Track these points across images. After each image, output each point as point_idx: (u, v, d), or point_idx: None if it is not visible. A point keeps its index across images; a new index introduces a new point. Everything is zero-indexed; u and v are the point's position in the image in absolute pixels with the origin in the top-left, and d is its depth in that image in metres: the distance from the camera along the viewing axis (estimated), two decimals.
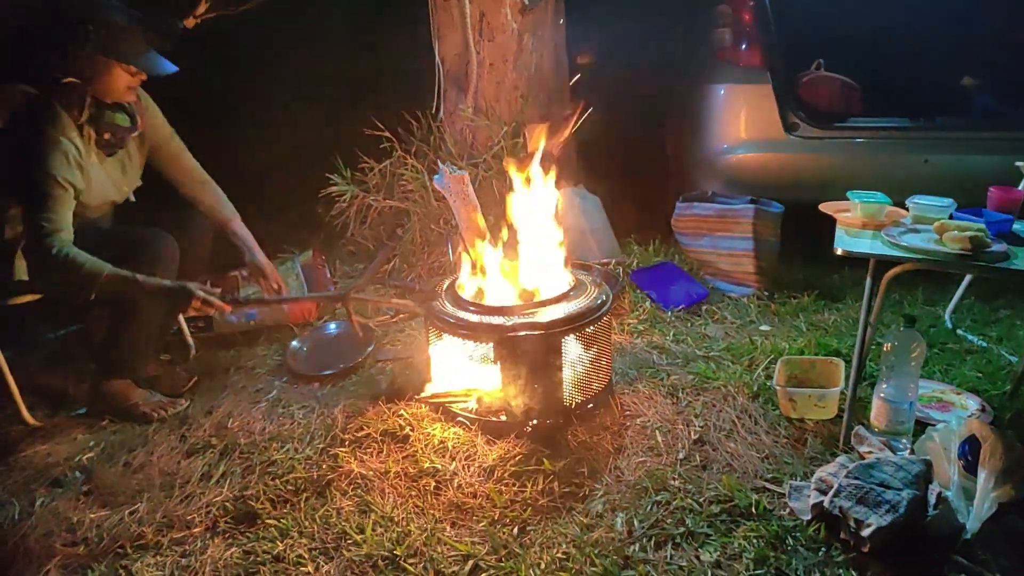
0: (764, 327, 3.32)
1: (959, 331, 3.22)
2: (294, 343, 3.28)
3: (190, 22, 3.73)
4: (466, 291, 2.73)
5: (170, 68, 2.58)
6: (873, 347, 2.74)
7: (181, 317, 3.23)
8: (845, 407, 2.43)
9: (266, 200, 4.47)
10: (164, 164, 2.93)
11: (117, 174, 2.77)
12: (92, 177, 2.63)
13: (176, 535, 2.18)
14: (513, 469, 2.35)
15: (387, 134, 4.01)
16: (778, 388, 2.60)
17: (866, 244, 2.32)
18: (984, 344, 3.10)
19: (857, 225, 2.47)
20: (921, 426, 2.38)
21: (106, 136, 2.64)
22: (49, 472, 2.49)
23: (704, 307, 3.53)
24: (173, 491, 2.37)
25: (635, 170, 4.83)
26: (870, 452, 2.26)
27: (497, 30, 4.00)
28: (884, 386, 2.33)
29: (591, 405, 2.63)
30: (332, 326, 3.44)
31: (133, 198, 2.95)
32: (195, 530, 2.20)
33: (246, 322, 3.39)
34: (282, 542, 2.11)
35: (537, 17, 4.09)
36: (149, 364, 2.95)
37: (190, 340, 3.28)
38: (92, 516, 2.27)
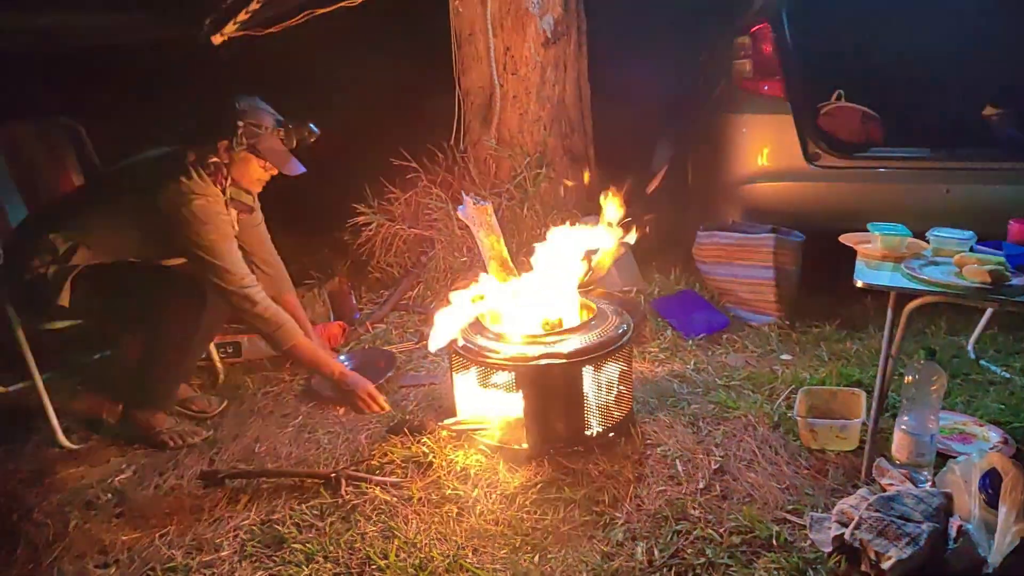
0: (785, 356, 3.33)
1: (982, 362, 3.22)
2: None
3: (217, 39, 3.86)
4: (488, 320, 2.78)
5: (300, 169, 2.82)
6: (895, 378, 2.75)
7: (211, 343, 3.30)
8: (867, 438, 2.44)
9: (294, 227, 4.56)
10: (250, 238, 3.10)
11: None
12: None
13: (205, 558, 2.22)
14: (534, 496, 2.38)
15: (413, 164, 4.09)
16: (799, 419, 2.61)
17: (886, 276, 2.33)
18: (1007, 375, 3.09)
19: (877, 257, 2.49)
20: (943, 458, 2.38)
21: (230, 213, 2.86)
22: (83, 494, 2.55)
23: (725, 336, 3.54)
24: (202, 514, 2.42)
25: (656, 199, 4.86)
26: (891, 484, 2.27)
27: (521, 63, 4.08)
28: (905, 418, 2.34)
29: (612, 434, 2.66)
30: (343, 358, 3.45)
31: None
32: (223, 553, 2.24)
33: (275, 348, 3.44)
34: (308, 566, 2.15)
35: (560, 50, 4.17)
36: (177, 395, 3.01)
37: (219, 365, 3.34)
38: (124, 538, 2.32)
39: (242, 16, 3.83)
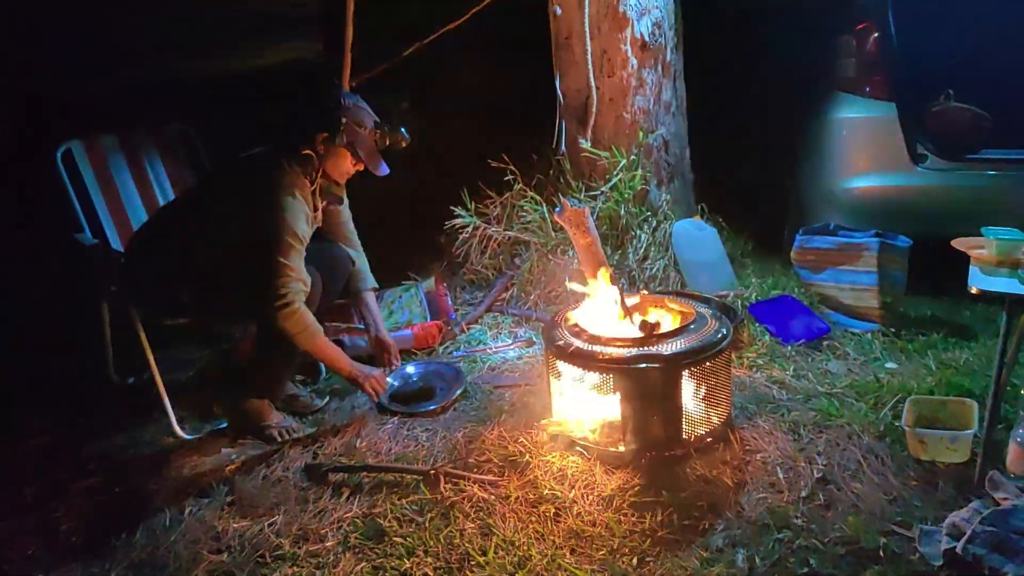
0: (890, 365, 3.23)
1: None
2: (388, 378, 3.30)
3: (347, 84, 4.00)
4: (586, 322, 2.79)
5: (386, 171, 2.92)
6: (1009, 388, 2.63)
7: None
8: (979, 450, 2.35)
9: (393, 229, 4.69)
10: (333, 224, 3.18)
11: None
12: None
13: (311, 548, 2.31)
14: (632, 500, 2.38)
15: (509, 167, 4.14)
16: (907, 429, 2.53)
17: (1002, 283, 2.25)
18: None
19: (992, 263, 2.39)
20: None
21: (323, 204, 2.96)
22: (197, 482, 2.69)
23: (826, 342, 3.46)
24: (307, 505, 2.51)
25: (754, 201, 4.78)
26: (1006, 498, 2.18)
27: (617, 66, 4.08)
28: (1021, 430, 2.25)
29: (710, 439, 2.63)
30: (411, 368, 3.45)
31: None
32: (328, 544, 2.32)
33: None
34: (409, 560, 2.21)
35: (656, 52, 4.14)
36: (286, 389, 3.13)
37: (321, 363, 3.44)
38: (235, 526, 2.43)
39: (348, 57, 3.95)
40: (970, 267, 2.41)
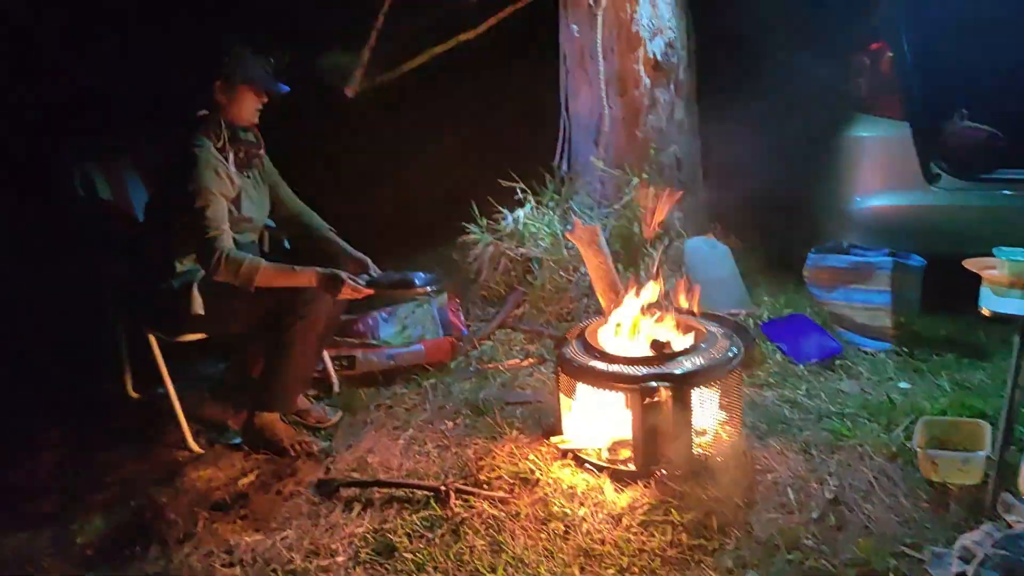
0: (903, 385, 3.22)
1: None
2: None
3: (352, 90, 4.04)
4: (598, 339, 2.80)
5: (285, 89, 2.94)
6: (1022, 410, 2.62)
7: (326, 355, 3.44)
8: (991, 472, 2.34)
9: (405, 245, 4.72)
10: (277, 196, 3.20)
11: (256, 194, 3.06)
12: (243, 192, 2.95)
13: (322, 563, 2.32)
14: (641, 518, 2.38)
15: (521, 184, 4.16)
16: (919, 450, 2.52)
17: (1014, 304, 2.25)
18: None
19: (1004, 283, 2.38)
20: None
21: (240, 154, 2.97)
22: (211, 495, 2.71)
23: (838, 362, 3.44)
24: (319, 520, 2.53)
25: (765, 219, 4.78)
26: (1019, 522, 2.17)
27: (630, 85, 4.11)
28: None
29: (721, 458, 2.63)
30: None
31: (273, 223, 3.24)
32: (339, 559, 2.34)
33: (386, 362, 3.56)
34: None
35: (669, 71, 4.17)
36: (298, 401, 3.15)
37: (334, 378, 3.47)
38: (247, 540, 2.45)
39: (366, 55, 3.99)
40: (982, 288, 2.41)
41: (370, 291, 2.90)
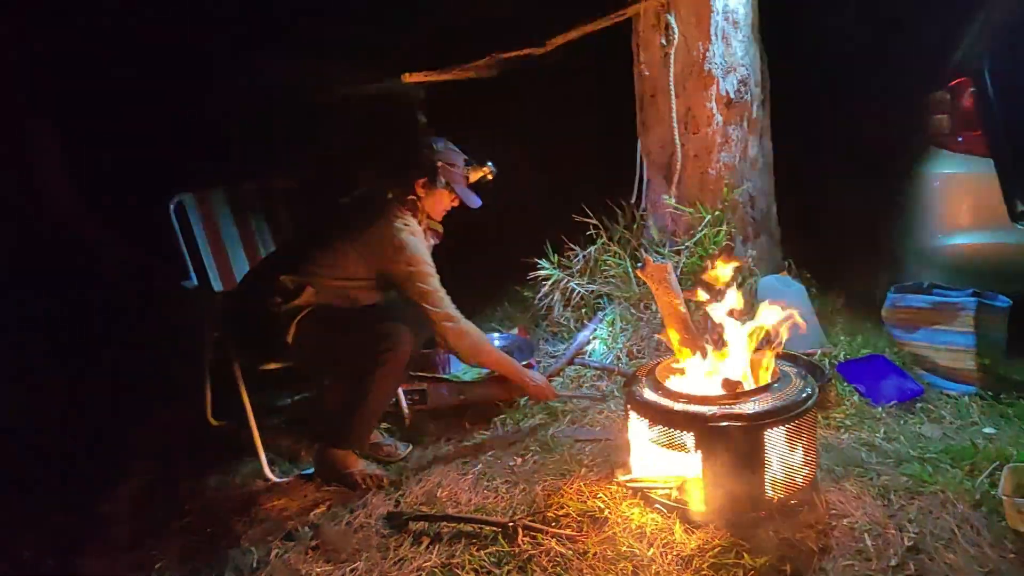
0: (988, 430, 3.09)
1: None
2: None
3: (407, 77, 4.19)
4: (669, 378, 2.79)
5: (478, 203, 3.18)
6: None
7: (400, 390, 3.50)
8: None
9: (477, 279, 4.78)
10: None
11: None
12: None
13: None
14: (712, 560, 2.34)
15: (593, 221, 4.19)
16: (1004, 498, 2.42)
17: None
18: None
19: None
20: None
21: (431, 241, 3.22)
22: (284, 525, 2.77)
23: (919, 405, 3.34)
24: (388, 552, 2.56)
25: (843, 258, 4.69)
26: None
27: (702, 123, 4.11)
28: None
29: (794, 501, 2.57)
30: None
31: None
32: None
33: (457, 397, 3.60)
34: None
35: (742, 109, 4.16)
36: (371, 435, 3.21)
37: (406, 411, 3.53)
38: (318, 570, 2.50)
39: (435, 77, 4.12)
40: None
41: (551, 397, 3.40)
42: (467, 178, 3.18)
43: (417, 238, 3.05)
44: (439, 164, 3.09)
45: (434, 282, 3.01)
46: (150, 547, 2.75)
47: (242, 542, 2.71)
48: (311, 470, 3.15)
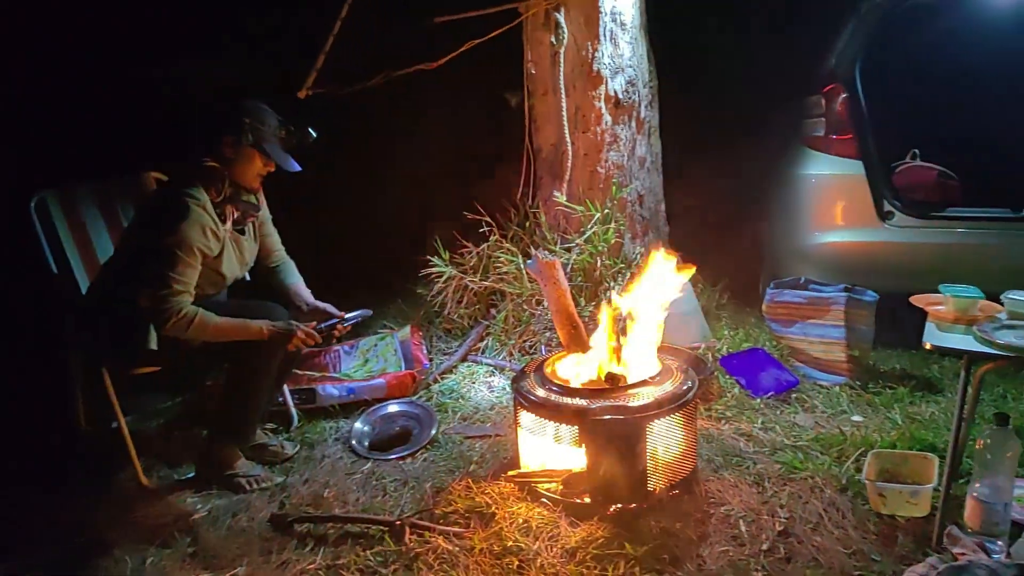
0: (856, 418, 3.27)
1: None
2: (357, 424, 3.37)
3: (302, 94, 4.07)
4: (555, 372, 2.82)
5: (296, 167, 2.93)
6: (970, 443, 2.67)
7: (286, 388, 3.42)
8: (938, 505, 2.37)
9: (368, 278, 4.73)
10: (263, 245, 3.20)
11: (240, 251, 3.03)
12: (226, 250, 2.91)
13: None
14: (595, 552, 2.38)
15: (485, 219, 4.20)
16: (868, 482, 2.56)
17: (956, 339, 2.31)
18: None
19: (949, 319, 2.45)
20: (1019, 528, 2.30)
21: (237, 214, 2.95)
22: (160, 532, 2.67)
23: (794, 395, 3.49)
24: (271, 556, 2.50)
25: (727, 255, 4.86)
26: (963, 553, 2.20)
27: (591, 122, 4.18)
28: (978, 485, 2.28)
29: (675, 491, 2.65)
30: (393, 407, 3.52)
31: (248, 277, 3.21)
32: None
33: (346, 396, 3.55)
34: None
35: (630, 109, 4.25)
36: (256, 434, 3.13)
37: (293, 411, 3.45)
38: None
39: (319, 62, 4.02)
40: (927, 323, 2.47)
41: (319, 337, 2.98)
42: (281, 139, 2.91)
43: (194, 217, 2.74)
44: (247, 121, 2.83)
45: (181, 270, 2.71)
46: (16, 559, 2.60)
47: (115, 551, 2.58)
48: (191, 474, 3.04)
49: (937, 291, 2.57)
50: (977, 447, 2.27)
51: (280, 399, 3.42)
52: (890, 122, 4.12)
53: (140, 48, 4.81)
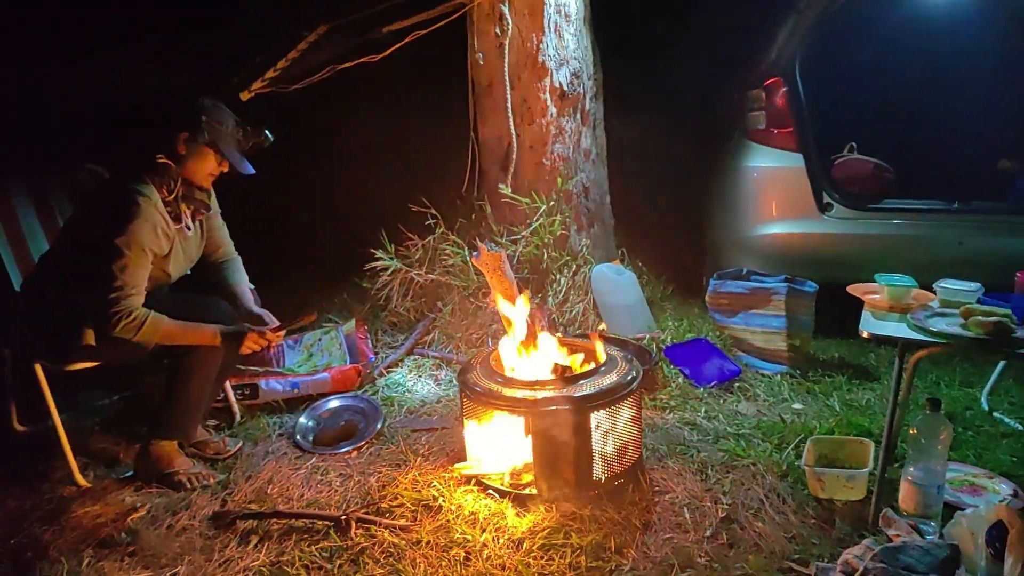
0: (796, 405, 3.34)
1: (995, 414, 3.20)
2: (301, 419, 3.33)
3: (245, 95, 3.99)
4: (500, 364, 2.82)
5: (251, 170, 2.86)
6: (904, 428, 2.75)
7: (228, 384, 3.36)
8: (874, 488, 2.43)
9: (313, 271, 4.67)
10: (211, 238, 3.12)
11: (188, 248, 2.96)
12: (175, 248, 2.84)
13: None
14: (542, 542, 2.39)
15: (431, 211, 4.18)
16: (807, 468, 2.61)
17: (891, 327, 2.37)
18: (1020, 427, 3.07)
19: (884, 307, 2.52)
20: (951, 510, 2.37)
21: (188, 212, 2.88)
22: (97, 533, 2.58)
23: (737, 384, 3.55)
24: (212, 555, 2.45)
25: (672, 246, 4.92)
26: (898, 535, 2.26)
27: (537, 114, 4.18)
28: (912, 469, 2.34)
29: (620, 480, 2.67)
30: (338, 401, 3.49)
31: (189, 271, 3.14)
32: None
33: (290, 391, 3.50)
34: None
35: (576, 101, 4.26)
36: (197, 430, 3.06)
37: (236, 407, 3.39)
38: None
39: (270, 74, 3.96)
40: (863, 312, 2.53)
41: (271, 340, 2.96)
42: (240, 140, 2.86)
43: (145, 215, 2.66)
44: (204, 119, 2.76)
45: (131, 271, 2.64)
46: None
47: (50, 552, 2.50)
48: (130, 472, 2.97)
49: (874, 281, 2.64)
50: (911, 432, 2.33)
51: (222, 395, 3.35)
52: (829, 116, 4.22)
53: (73, 41, 4.66)
